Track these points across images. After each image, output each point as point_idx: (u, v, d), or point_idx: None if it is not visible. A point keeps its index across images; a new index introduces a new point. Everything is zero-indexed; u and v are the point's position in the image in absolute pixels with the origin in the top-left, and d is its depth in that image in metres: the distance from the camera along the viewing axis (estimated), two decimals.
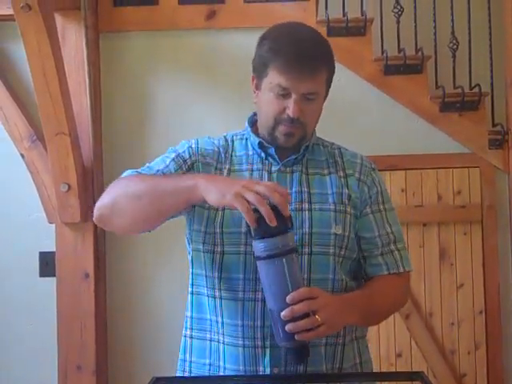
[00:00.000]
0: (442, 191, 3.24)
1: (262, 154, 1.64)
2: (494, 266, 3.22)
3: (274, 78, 1.56)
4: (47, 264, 3.21)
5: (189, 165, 1.64)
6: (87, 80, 3.09)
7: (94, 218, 1.59)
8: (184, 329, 1.68)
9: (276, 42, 1.57)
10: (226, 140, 1.70)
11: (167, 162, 1.64)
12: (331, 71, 1.62)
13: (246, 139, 1.69)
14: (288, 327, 1.37)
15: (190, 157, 1.65)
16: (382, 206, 1.67)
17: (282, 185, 1.59)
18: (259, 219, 1.36)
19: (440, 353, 3.19)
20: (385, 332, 3.21)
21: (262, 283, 1.43)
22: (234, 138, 1.71)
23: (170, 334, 3.19)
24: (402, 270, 1.65)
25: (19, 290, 3.25)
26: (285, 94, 1.55)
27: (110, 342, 3.25)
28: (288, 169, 1.63)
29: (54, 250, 3.14)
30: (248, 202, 1.36)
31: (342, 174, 1.66)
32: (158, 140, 3.25)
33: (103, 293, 3.21)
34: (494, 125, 3.27)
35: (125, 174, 1.62)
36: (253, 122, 1.70)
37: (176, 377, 1.67)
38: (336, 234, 1.58)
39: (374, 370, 1.75)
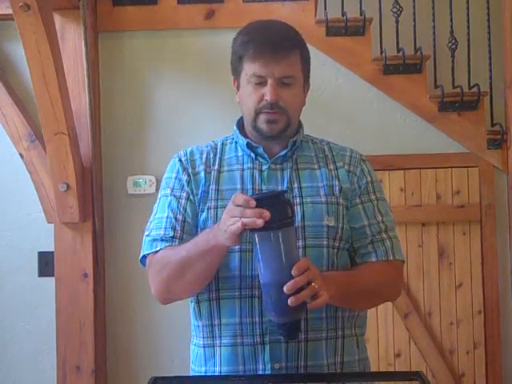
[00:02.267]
0: (440, 191, 3.24)
1: (252, 154, 1.66)
2: (492, 266, 3.22)
3: (248, 69, 1.59)
4: (46, 264, 3.21)
5: (188, 180, 1.65)
6: (86, 80, 3.09)
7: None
8: (196, 338, 1.68)
9: (246, 34, 1.61)
10: (216, 145, 1.72)
11: (175, 205, 1.63)
12: (304, 56, 1.65)
13: (236, 142, 1.71)
14: (291, 300, 1.35)
15: (185, 170, 1.66)
16: (372, 196, 1.68)
17: (273, 182, 1.62)
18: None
19: (439, 352, 3.19)
20: (384, 332, 3.21)
21: (257, 257, 1.41)
22: (224, 142, 1.73)
23: (169, 334, 3.19)
24: (391, 257, 1.65)
25: (18, 290, 3.24)
26: (261, 82, 1.58)
27: (109, 342, 3.24)
28: (278, 166, 1.65)
29: (52, 249, 3.14)
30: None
31: (331, 166, 1.67)
32: (157, 139, 3.25)
33: (102, 293, 3.21)
34: (492, 124, 3.27)
35: (149, 248, 1.61)
36: (241, 126, 1.72)
37: (175, 376, 1.67)
38: (329, 226, 1.59)
39: (372, 370, 1.75)
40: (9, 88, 3.19)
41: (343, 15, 3.23)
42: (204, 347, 1.62)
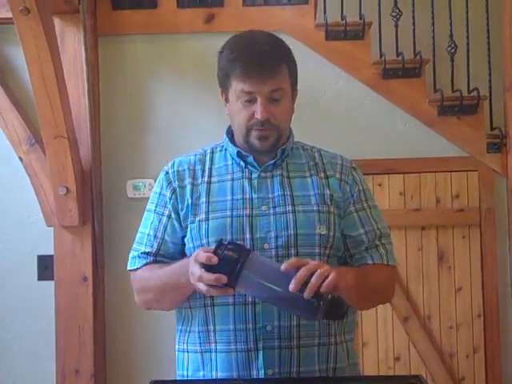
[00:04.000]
0: (440, 195, 3.25)
1: (242, 163, 1.67)
2: (492, 270, 3.22)
3: (237, 87, 1.59)
4: (45, 267, 3.21)
5: (171, 197, 1.67)
6: (86, 83, 3.09)
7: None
8: (178, 343, 1.70)
9: (232, 51, 1.60)
10: (205, 152, 1.73)
11: (157, 222, 1.68)
12: (292, 67, 1.64)
13: (225, 150, 1.71)
14: (306, 294, 1.35)
15: (169, 184, 1.68)
16: (365, 204, 1.69)
17: (263, 190, 1.63)
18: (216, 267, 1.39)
19: (438, 356, 3.19)
20: (383, 335, 3.21)
21: (257, 296, 1.47)
22: (214, 149, 1.74)
23: (169, 337, 3.19)
24: (386, 263, 1.66)
25: (17, 294, 3.24)
26: (251, 100, 1.59)
27: (108, 346, 3.24)
28: (268, 174, 1.66)
29: (52, 253, 3.13)
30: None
31: (322, 175, 1.68)
32: (156, 143, 3.26)
33: (102, 296, 3.20)
34: (492, 128, 3.27)
35: (132, 265, 1.70)
36: (231, 133, 1.72)
37: (174, 380, 1.67)
38: (321, 235, 1.60)
39: (372, 374, 1.76)
40: (8, 91, 3.19)
41: (343, 19, 3.24)
42: (202, 352, 1.62)
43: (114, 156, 3.27)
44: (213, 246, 1.43)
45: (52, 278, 3.13)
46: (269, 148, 1.63)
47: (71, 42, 3.13)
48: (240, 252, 1.40)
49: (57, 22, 3.04)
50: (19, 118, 3.12)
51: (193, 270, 1.42)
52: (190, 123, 3.25)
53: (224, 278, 1.37)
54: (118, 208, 3.22)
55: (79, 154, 3.07)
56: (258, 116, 1.58)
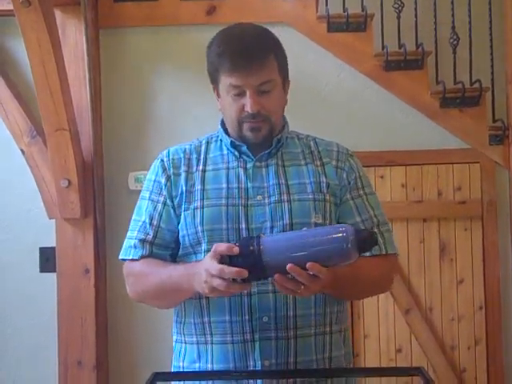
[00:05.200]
0: (442, 187, 3.24)
1: (236, 153, 1.66)
2: (494, 262, 3.22)
3: (226, 81, 1.59)
4: (47, 259, 3.21)
5: (166, 183, 1.66)
6: (87, 76, 3.09)
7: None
8: (176, 334, 1.72)
9: (219, 46, 1.60)
10: (200, 143, 1.73)
11: (152, 209, 1.67)
12: (280, 57, 1.64)
13: (221, 140, 1.71)
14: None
15: (164, 171, 1.68)
16: (361, 191, 1.69)
17: (259, 179, 1.63)
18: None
19: (440, 348, 3.19)
20: (385, 327, 3.21)
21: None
22: (209, 140, 1.74)
23: (171, 328, 3.19)
24: (384, 252, 1.65)
25: (20, 286, 3.25)
26: (240, 93, 1.58)
27: (110, 338, 3.25)
28: (263, 163, 1.65)
29: (54, 245, 3.14)
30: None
31: (318, 163, 1.68)
32: (158, 135, 3.25)
33: (103, 288, 3.21)
34: (494, 120, 3.26)
35: (127, 254, 1.67)
36: (225, 125, 1.72)
37: (175, 372, 1.68)
38: (316, 223, 1.60)
39: (373, 366, 1.76)
40: (10, 83, 3.19)
41: (344, 11, 3.23)
42: (198, 344, 1.62)
43: (116, 148, 3.27)
44: (219, 245, 1.42)
45: (54, 270, 3.14)
46: (262, 139, 1.62)
47: (72, 34, 3.13)
48: (252, 242, 1.38)
49: (58, 14, 3.03)
50: (20, 111, 3.13)
51: (210, 266, 1.39)
52: (192, 115, 3.25)
53: (245, 272, 1.35)
54: (120, 200, 3.23)
55: (81, 146, 3.07)
56: (248, 109, 1.57)
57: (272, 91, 1.60)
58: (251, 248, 1.37)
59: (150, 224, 1.66)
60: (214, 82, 1.66)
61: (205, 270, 1.41)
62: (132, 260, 1.66)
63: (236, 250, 1.37)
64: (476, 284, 3.22)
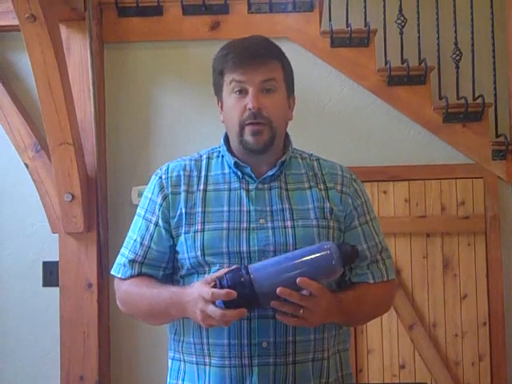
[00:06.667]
0: (445, 202, 3.24)
1: (239, 173, 1.63)
2: (497, 277, 3.21)
3: (229, 78, 1.59)
4: (51, 274, 3.21)
5: (161, 203, 1.64)
6: (91, 90, 3.10)
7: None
8: (172, 352, 1.69)
9: (225, 49, 1.62)
10: (200, 157, 1.70)
11: (144, 229, 1.66)
12: (286, 67, 1.64)
13: (222, 157, 1.68)
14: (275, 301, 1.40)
15: (162, 190, 1.65)
16: (368, 217, 1.68)
17: (261, 202, 1.60)
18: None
19: (444, 364, 3.17)
20: (388, 343, 3.20)
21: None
22: (210, 155, 1.70)
23: None
24: (386, 279, 1.66)
25: (22, 300, 3.25)
26: (242, 90, 1.58)
27: (113, 352, 3.24)
28: (266, 186, 1.62)
29: (57, 259, 3.14)
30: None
31: (322, 186, 1.65)
32: (161, 149, 3.26)
33: (106, 302, 3.20)
34: (497, 135, 3.27)
35: (117, 272, 1.69)
36: (228, 140, 1.69)
37: None
38: None
39: (377, 382, 1.75)
40: (14, 98, 3.20)
41: (348, 26, 3.24)
42: (197, 364, 1.59)
43: (119, 163, 3.28)
44: (210, 276, 1.46)
45: (57, 285, 3.13)
46: (263, 145, 1.59)
47: (77, 48, 3.14)
48: (241, 273, 1.40)
49: (63, 29, 3.05)
50: (25, 125, 3.14)
51: (207, 310, 1.41)
52: (195, 130, 3.25)
53: (233, 293, 1.37)
54: (123, 214, 3.23)
55: (84, 160, 3.08)
56: (250, 105, 1.55)
57: (275, 92, 1.59)
58: (242, 279, 1.39)
59: (141, 244, 1.64)
60: (219, 90, 1.64)
61: (199, 310, 1.43)
62: (120, 279, 1.68)
63: (234, 294, 1.38)
64: (480, 299, 3.21)
